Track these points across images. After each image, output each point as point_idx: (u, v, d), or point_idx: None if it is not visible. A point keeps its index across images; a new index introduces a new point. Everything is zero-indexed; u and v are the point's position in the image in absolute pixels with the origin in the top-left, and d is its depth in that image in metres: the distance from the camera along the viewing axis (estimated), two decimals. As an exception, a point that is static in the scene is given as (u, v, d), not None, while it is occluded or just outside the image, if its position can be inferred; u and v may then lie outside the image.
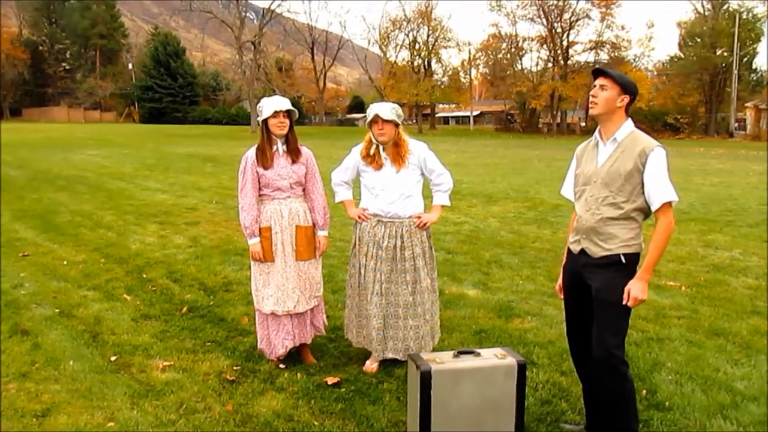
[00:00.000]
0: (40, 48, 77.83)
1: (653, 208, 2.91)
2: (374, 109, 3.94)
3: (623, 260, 2.93)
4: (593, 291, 3.00)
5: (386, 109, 3.91)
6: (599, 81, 2.97)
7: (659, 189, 2.86)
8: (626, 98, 2.94)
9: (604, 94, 2.94)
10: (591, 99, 2.99)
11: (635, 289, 2.91)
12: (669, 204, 2.88)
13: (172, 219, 9.65)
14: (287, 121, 4.01)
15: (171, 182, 14.54)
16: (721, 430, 3.38)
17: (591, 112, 3.02)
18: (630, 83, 2.96)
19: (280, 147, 4.07)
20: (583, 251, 3.06)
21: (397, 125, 3.96)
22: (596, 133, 3.08)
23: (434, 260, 4.19)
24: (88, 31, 76.56)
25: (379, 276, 4.01)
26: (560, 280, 3.32)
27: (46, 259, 7.04)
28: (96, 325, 4.93)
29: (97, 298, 5.62)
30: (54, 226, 8.95)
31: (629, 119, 2.99)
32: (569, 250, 3.19)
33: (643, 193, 2.91)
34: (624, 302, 2.91)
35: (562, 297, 3.29)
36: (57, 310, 5.24)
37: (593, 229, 2.99)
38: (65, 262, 6.88)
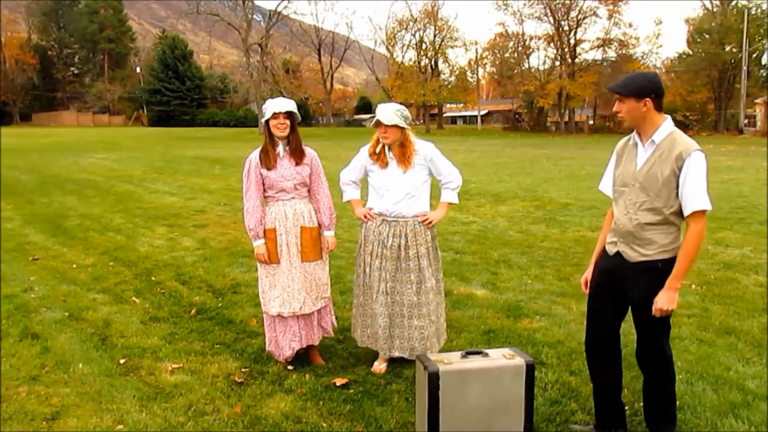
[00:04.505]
0: (49, 53, 78.50)
1: (684, 214, 2.85)
2: (377, 114, 3.91)
3: (661, 266, 2.89)
4: (635, 299, 2.99)
5: (389, 115, 3.84)
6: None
7: (692, 196, 2.80)
8: (648, 101, 2.84)
9: (624, 107, 2.90)
10: (618, 114, 2.97)
11: (662, 300, 2.88)
12: (702, 212, 2.82)
13: (181, 221, 9.69)
14: (287, 123, 3.99)
15: (179, 185, 14.60)
16: (732, 430, 3.35)
17: (624, 124, 2.99)
18: (642, 87, 2.85)
19: (282, 148, 4.07)
20: (619, 254, 3.02)
21: (402, 128, 3.93)
22: (634, 132, 3.01)
23: (440, 261, 4.17)
24: (96, 36, 77.17)
25: (384, 275, 4.01)
26: (587, 274, 3.27)
27: (56, 262, 7.08)
28: (105, 328, 4.96)
29: (106, 301, 5.64)
30: (63, 230, 9.01)
31: (668, 119, 2.91)
32: (604, 249, 3.15)
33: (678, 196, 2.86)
34: (651, 314, 2.90)
35: (586, 291, 3.26)
36: (66, 314, 5.27)
37: (631, 233, 2.95)
38: (74, 266, 6.92)
